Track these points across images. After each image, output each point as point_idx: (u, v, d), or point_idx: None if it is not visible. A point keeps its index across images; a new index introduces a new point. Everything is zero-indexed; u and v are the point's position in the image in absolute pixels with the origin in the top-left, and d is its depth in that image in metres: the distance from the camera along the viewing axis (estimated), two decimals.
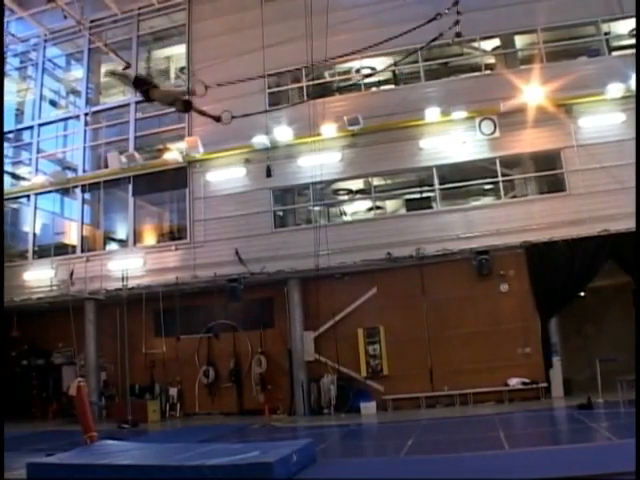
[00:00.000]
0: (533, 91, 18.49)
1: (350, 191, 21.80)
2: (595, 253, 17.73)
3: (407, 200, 20.99)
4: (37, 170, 23.56)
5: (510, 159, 19.42)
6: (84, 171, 22.89)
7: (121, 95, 24.22)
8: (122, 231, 23.25)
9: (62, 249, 22.23)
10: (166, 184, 21.60)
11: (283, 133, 20.12)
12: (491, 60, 20.50)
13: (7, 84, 22.86)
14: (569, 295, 18.12)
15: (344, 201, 22.37)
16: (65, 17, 19.65)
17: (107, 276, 21.20)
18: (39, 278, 21.99)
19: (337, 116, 19.60)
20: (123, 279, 20.58)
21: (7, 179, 23.59)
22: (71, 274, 20.91)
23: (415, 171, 20.55)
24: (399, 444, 12.21)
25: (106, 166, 22.07)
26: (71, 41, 24.12)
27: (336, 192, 21.87)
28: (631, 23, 19.65)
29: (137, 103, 22.70)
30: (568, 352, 18.30)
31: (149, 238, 22.56)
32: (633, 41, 19.93)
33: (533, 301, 18.31)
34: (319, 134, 19.37)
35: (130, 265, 21.06)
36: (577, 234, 17.85)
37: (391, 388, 18.84)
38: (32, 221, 23.31)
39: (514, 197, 19.74)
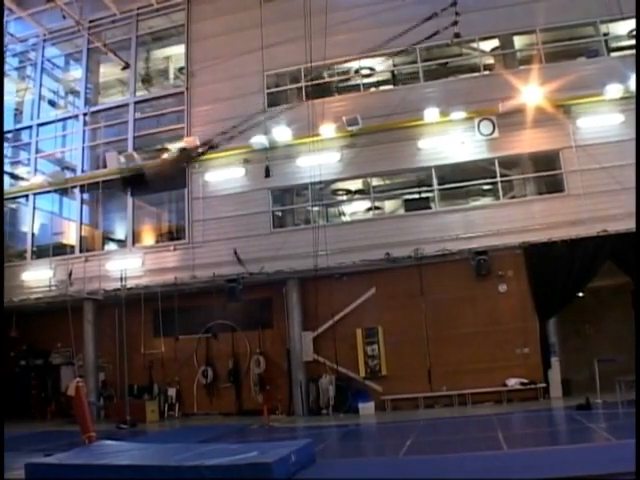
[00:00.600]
0: (532, 92, 18.50)
1: (349, 191, 21.80)
2: (594, 253, 17.70)
3: (406, 200, 20.97)
4: (36, 170, 23.56)
5: (509, 159, 19.41)
6: (83, 171, 22.87)
7: (120, 95, 24.24)
8: (121, 231, 23.23)
9: (61, 249, 22.19)
10: (165, 184, 21.56)
11: (282, 133, 20.13)
12: (490, 61, 20.48)
13: (6, 84, 22.85)
14: (568, 295, 18.10)
15: (343, 201, 22.37)
16: (64, 17, 19.78)
17: (106, 276, 21.17)
18: (38, 278, 21.97)
19: (336, 116, 19.61)
20: (122, 279, 20.56)
21: (6, 179, 23.56)
22: (70, 274, 20.88)
23: (414, 171, 20.53)
24: (398, 444, 12.23)
25: (105, 166, 22.05)
26: (70, 41, 24.09)
27: (335, 192, 21.87)
28: (630, 24, 19.64)
29: (136, 103, 22.74)
30: (567, 352, 18.29)
31: (148, 238, 22.54)
32: (632, 42, 19.96)
33: (532, 301, 18.31)
34: (318, 134, 19.35)
35: (129, 265, 21.04)
36: (576, 234, 17.84)
37: (390, 388, 18.84)
38: (31, 221, 23.28)
39: (513, 197, 19.74)
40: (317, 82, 20.79)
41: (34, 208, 23.29)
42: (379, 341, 19.15)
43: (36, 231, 23.40)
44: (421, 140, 19.45)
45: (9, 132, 24.18)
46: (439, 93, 19.54)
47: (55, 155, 24.31)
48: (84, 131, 23.16)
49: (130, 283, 20.70)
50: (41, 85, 24.43)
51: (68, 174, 23.21)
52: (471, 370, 18.04)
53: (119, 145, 22.70)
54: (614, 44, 20.16)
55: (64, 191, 23.01)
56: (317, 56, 18.11)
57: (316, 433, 14.77)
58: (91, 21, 22.98)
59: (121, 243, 23.00)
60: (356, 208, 22.43)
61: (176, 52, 23.80)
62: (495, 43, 20.34)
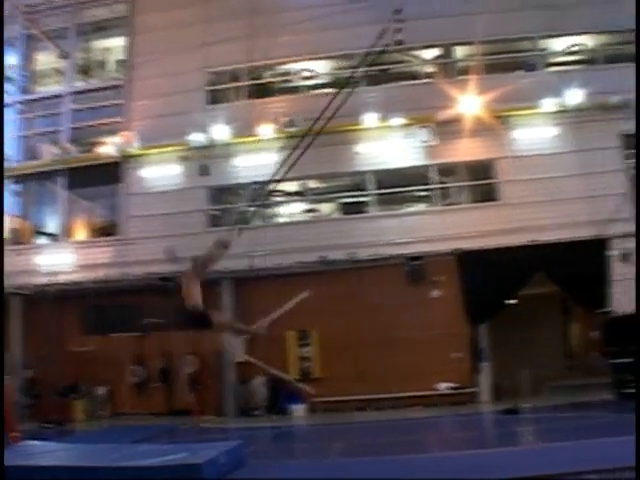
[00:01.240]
0: (470, 101, 18.81)
1: (286, 193, 21.67)
2: (526, 262, 18.01)
3: (343, 204, 21.03)
4: None
5: (446, 167, 19.71)
6: (15, 161, 22.11)
7: (56, 85, 23.54)
8: (53, 225, 22.55)
9: None
10: (100, 179, 21.05)
11: (220, 132, 19.90)
12: (431, 69, 20.74)
13: None
14: (499, 303, 18.44)
15: (280, 202, 22.23)
16: None
17: (35, 271, 20.55)
18: None
19: (276, 117, 19.52)
20: (51, 274, 19.97)
21: None
22: None
23: (351, 175, 20.58)
24: (328, 447, 12.33)
25: (38, 157, 21.39)
26: (5, 25, 23.25)
27: (272, 193, 21.68)
28: (568, 40, 20.38)
29: (73, 94, 22.13)
30: (499, 358, 18.58)
31: (81, 233, 21.95)
32: (569, 58, 20.62)
33: (463, 308, 18.57)
34: (257, 134, 19.21)
35: (60, 260, 20.47)
36: (509, 243, 18.11)
37: (323, 391, 18.76)
38: None
39: (449, 205, 20.01)
40: (258, 82, 20.65)
41: None
42: (313, 343, 19.14)
43: None
44: (360, 144, 19.57)
45: None
46: (379, 99, 19.65)
47: None
48: (18, 120, 22.40)
49: (61, 279, 20.12)
50: None
51: None
52: (404, 374, 18.16)
53: (54, 136, 22.01)
54: (551, 59, 20.66)
55: None
56: (260, 56, 18.04)
57: (247, 434, 14.64)
58: (28, 6, 22.24)
59: (53, 237, 22.33)
60: (293, 210, 22.31)
61: (117, 44, 23.22)
62: (436, 52, 20.61)
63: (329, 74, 21.13)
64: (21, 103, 22.60)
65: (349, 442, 12.98)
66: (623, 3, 19.17)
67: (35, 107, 22.80)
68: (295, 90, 21.15)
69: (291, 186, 21.14)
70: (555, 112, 19.15)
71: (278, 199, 21.73)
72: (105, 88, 22.45)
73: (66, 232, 21.51)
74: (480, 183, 19.76)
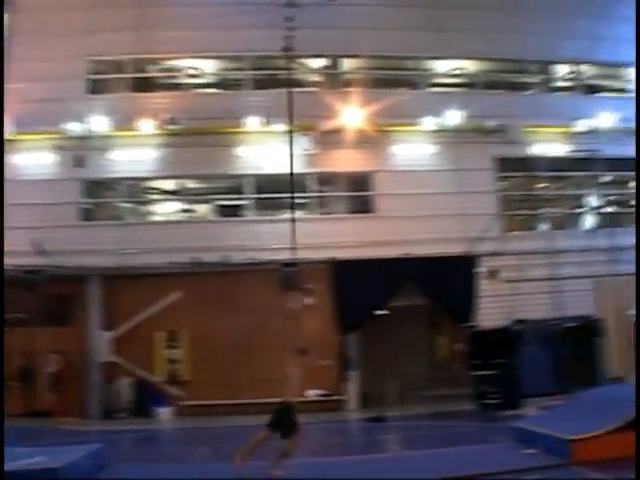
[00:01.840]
0: (353, 113, 19.21)
1: (162, 191, 21.25)
2: (397, 274, 18.54)
3: (220, 206, 20.86)
4: None
5: (325, 176, 20.03)
6: None
7: None
8: None
9: None
10: None
11: (99, 123, 19.27)
12: (317, 78, 21.01)
13: None
14: (369, 312, 18.82)
15: (155, 200, 21.68)
16: None
17: None
18: None
19: (157, 113, 19.12)
20: None
21: None
22: None
23: (230, 178, 20.48)
24: (194, 451, 12.25)
25: None
26: None
27: (148, 190, 21.25)
28: (451, 63, 21.26)
29: None
30: (367, 367, 18.96)
31: None
32: (451, 80, 21.45)
33: (334, 316, 18.79)
34: (137, 129, 18.75)
35: None
36: (381, 255, 18.56)
37: (191, 394, 18.53)
38: None
39: (326, 213, 20.29)
40: (142, 75, 20.17)
41: None
42: (182, 345, 18.85)
43: None
44: (240, 147, 19.55)
45: None
46: (263, 103, 19.66)
47: None
48: None
49: None
50: None
51: None
52: (274, 379, 18.02)
53: None
54: (434, 80, 21.46)
55: None
56: (145, 49, 17.59)
57: (110, 437, 14.26)
58: None
59: None
60: (168, 209, 21.86)
61: None
62: (324, 62, 20.91)
63: (215, 74, 20.99)
64: None
65: (214, 447, 12.83)
66: (507, 33, 20.32)
67: None
68: (179, 87, 20.81)
69: (168, 184, 20.82)
70: (434, 131, 19.93)
71: (154, 197, 21.32)
72: None
73: None
74: (357, 194, 20.20)
